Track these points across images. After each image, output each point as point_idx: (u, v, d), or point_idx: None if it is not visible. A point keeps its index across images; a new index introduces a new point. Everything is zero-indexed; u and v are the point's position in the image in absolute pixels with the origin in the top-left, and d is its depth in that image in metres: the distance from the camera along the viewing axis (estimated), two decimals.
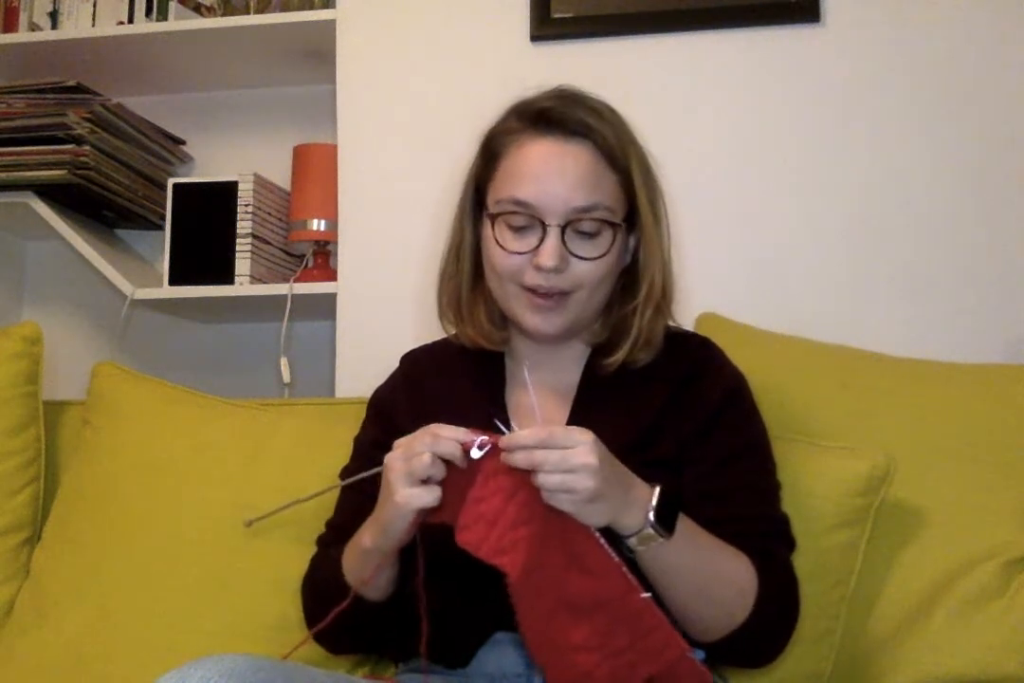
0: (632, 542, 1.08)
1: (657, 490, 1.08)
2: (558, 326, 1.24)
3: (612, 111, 1.27)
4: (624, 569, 1.02)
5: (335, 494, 1.34)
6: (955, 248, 1.78)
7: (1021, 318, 1.74)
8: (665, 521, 1.08)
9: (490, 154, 1.27)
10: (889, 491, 1.36)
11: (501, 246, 1.23)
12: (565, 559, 1.03)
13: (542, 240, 1.20)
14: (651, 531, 1.07)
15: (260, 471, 1.55)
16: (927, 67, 1.81)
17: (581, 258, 1.21)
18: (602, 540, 1.03)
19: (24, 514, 1.66)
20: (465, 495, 1.04)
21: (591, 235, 1.22)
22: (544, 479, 1.00)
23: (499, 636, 1.17)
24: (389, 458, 1.09)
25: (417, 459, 1.05)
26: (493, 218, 1.24)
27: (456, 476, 1.06)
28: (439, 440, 1.05)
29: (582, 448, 1.01)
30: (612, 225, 1.22)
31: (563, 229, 1.20)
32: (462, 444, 1.04)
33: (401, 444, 1.09)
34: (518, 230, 1.22)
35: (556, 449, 1.00)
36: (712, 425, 1.25)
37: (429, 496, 1.05)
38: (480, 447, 1.04)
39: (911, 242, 1.79)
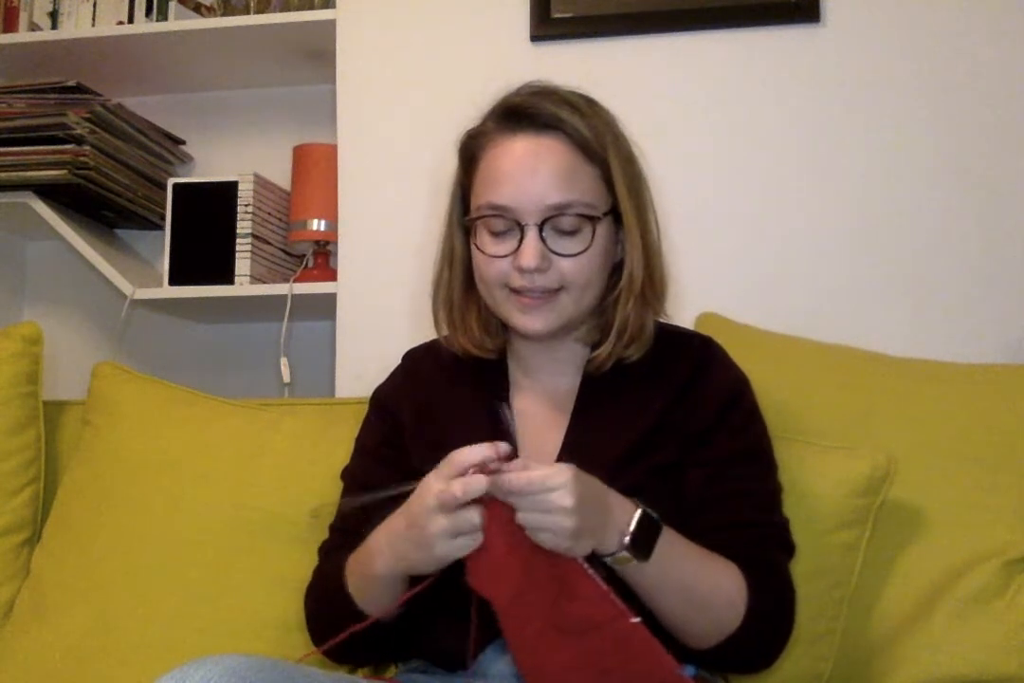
0: (608, 561, 1.08)
1: (637, 514, 1.08)
2: (550, 323, 1.22)
3: (589, 102, 1.25)
4: (612, 596, 1.02)
5: (335, 498, 1.34)
6: (955, 248, 1.78)
7: (1021, 318, 1.74)
8: (642, 545, 1.07)
9: (468, 158, 1.26)
10: (890, 491, 1.36)
11: (482, 251, 1.22)
12: (554, 586, 1.03)
13: (521, 241, 1.19)
14: (626, 554, 1.07)
15: (260, 471, 1.55)
16: (927, 67, 1.81)
17: (563, 255, 1.19)
18: (588, 569, 1.03)
19: (24, 514, 1.65)
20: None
21: (571, 232, 1.20)
22: (523, 518, 1.01)
23: (500, 639, 1.16)
24: (425, 511, 1.04)
25: (465, 520, 1.02)
26: (473, 224, 1.23)
27: None
28: (472, 486, 1.01)
29: (559, 492, 1.00)
30: (591, 220, 1.20)
31: (541, 228, 1.18)
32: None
33: (433, 492, 1.03)
34: (498, 234, 1.21)
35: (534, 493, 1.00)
36: (714, 428, 1.24)
37: (473, 543, 1.03)
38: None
39: (911, 242, 1.79)
